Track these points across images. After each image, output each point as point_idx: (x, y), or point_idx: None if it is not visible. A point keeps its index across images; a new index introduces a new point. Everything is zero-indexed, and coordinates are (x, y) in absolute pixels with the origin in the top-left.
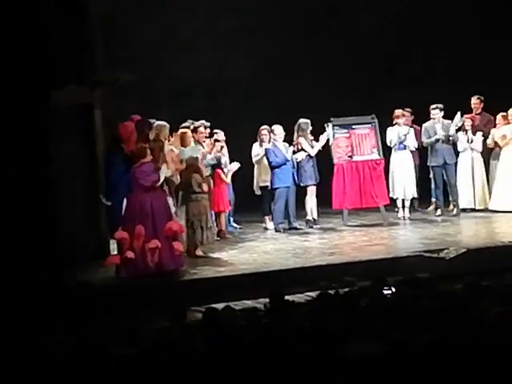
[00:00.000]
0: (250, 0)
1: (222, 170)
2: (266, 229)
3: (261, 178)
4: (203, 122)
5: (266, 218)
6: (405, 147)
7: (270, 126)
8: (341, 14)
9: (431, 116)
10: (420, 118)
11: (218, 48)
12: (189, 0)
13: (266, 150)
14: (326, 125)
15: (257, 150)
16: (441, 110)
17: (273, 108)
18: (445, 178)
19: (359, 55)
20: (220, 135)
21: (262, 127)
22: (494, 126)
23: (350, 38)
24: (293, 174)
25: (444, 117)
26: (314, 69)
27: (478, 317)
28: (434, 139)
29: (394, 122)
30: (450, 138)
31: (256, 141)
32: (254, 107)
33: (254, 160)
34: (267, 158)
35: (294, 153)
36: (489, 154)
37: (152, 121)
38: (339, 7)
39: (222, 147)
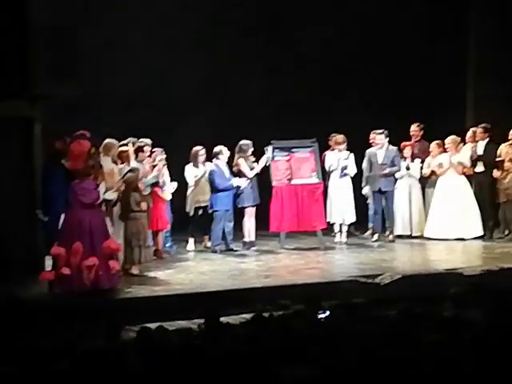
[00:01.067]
0: (194, 14)
1: (161, 188)
2: (206, 247)
3: (196, 199)
4: (146, 140)
5: (206, 237)
6: (345, 175)
7: (205, 146)
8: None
9: (376, 141)
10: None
11: (161, 59)
12: (134, 12)
13: (211, 171)
14: (265, 148)
15: (194, 172)
16: (386, 136)
17: (212, 127)
18: (383, 204)
19: (301, 77)
20: (160, 154)
21: (198, 148)
22: (429, 154)
23: (293, 57)
24: (232, 198)
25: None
26: (255, 89)
27: (412, 343)
28: (400, 172)
29: (336, 147)
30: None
31: (189, 162)
32: (193, 125)
33: (191, 181)
34: (212, 180)
35: (234, 174)
36: (425, 182)
37: (110, 140)
38: (282, 25)
39: (159, 169)
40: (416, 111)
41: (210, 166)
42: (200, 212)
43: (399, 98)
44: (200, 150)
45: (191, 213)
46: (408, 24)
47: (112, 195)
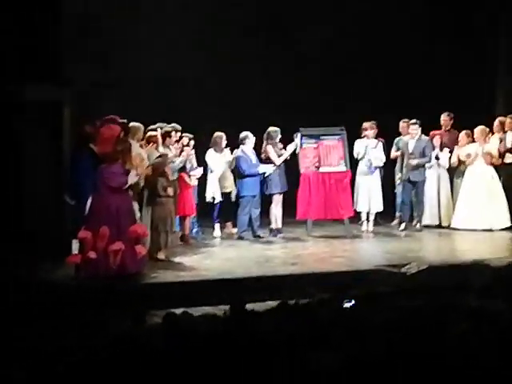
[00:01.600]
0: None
1: (188, 173)
2: (230, 234)
3: (220, 185)
4: (174, 125)
5: (229, 223)
6: (376, 168)
7: (226, 133)
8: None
9: (410, 131)
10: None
11: (186, 44)
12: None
13: (237, 157)
14: (294, 135)
15: (216, 157)
16: (419, 125)
17: (237, 115)
18: (412, 193)
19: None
20: (188, 140)
21: (220, 133)
22: (457, 144)
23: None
24: (260, 184)
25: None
26: (283, 75)
27: (440, 333)
28: (427, 162)
29: (363, 135)
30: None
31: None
32: (217, 113)
33: (215, 167)
34: (239, 166)
35: (262, 161)
36: (453, 172)
37: (135, 123)
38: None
39: (187, 155)
40: (446, 101)
41: (228, 152)
42: (222, 198)
43: (432, 89)
44: (222, 136)
45: (217, 198)
46: (436, 18)
47: (135, 178)
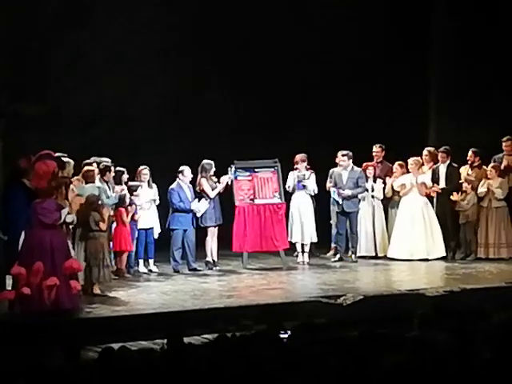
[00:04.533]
0: (156, 33)
1: (126, 208)
2: (138, 272)
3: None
4: (108, 160)
5: (140, 260)
6: (304, 186)
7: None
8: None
9: (340, 162)
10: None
11: (125, 80)
12: (98, 26)
13: (170, 190)
14: (229, 168)
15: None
16: (350, 157)
17: (175, 147)
18: (346, 224)
19: (263, 97)
20: (125, 175)
21: (143, 167)
22: (391, 175)
23: (255, 77)
24: (192, 218)
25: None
26: (219, 109)
27: (373, 364)
28: (360, 193)
29: (295, 167)
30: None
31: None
32: (158, 145)
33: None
34: (170, 200)
35: (196, 194)
36: (387, 202)
37: (65, 159)
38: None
39: (122, 190)
40: (378, 133)
41: (154, 187)
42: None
43: (361, 119)
44: (146, 170)
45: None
46: (368, 43)
47: (70, 217)
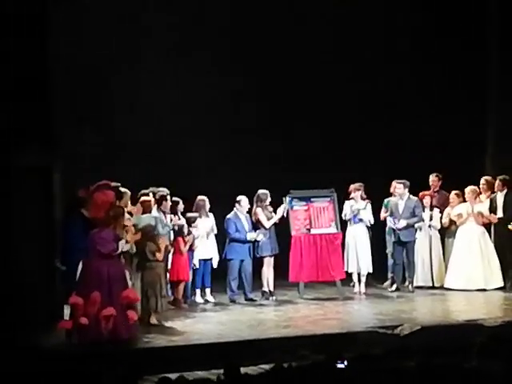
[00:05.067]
0: (209, 77)
1: (183, 238)
2: (194, 302)
3: (200, 251)
4: (165, 190)
5: (197, 290)
6: (360, 220)
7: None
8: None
9: (396, 191)
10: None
11: (182, 111)
12: (154, 64)
13: (227, 220)
14: (284, 198)
15: (201, 222)
16: (406, 186)
17: (234, 178)
18: (403, 254)
19: (318, 129)
20: (180, 205)
21: (202, 197)
22: (448, 204)
23: (307, 111)
24: (248, 248)
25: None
26: (273, 139)
27: None
28: (417, 222)
29: (351, 197)
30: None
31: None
32: (215, 174)
33: (201, 232)
34: (226, 229)
35: (253, 224)
36: (444, 232)
37: (122, 189)
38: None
39: (179, 219)
40: (435, 162)
41: (212, 217)
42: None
43: (419, 147)
44: (205, 199)
45: (196, 265)
46: (424, 73)
47: (126, 246)
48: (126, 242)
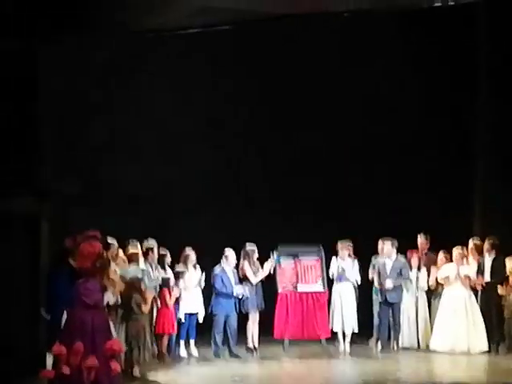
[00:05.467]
0: (198, 112)
1: (169, 291)
2: (178, 355)
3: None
4: (153, 241)
5: (181, 342)
6: (347, 279)
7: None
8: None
9: (384, 251)
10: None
11: (168, 160)
12: (139, 106)
13: (214, 274)
14: (271, 253)
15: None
16: (393, 245)
17: (221, 228)
18: (389, 314)
19: (310, 180)
20: (168, 257)
21: (188, 251)
22: (435, 264)
23: (299, 161)
24: (235, 302)
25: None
26: (261, 191)
27: None
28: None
29: (338, 255)
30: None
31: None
32: (202, 225)
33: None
34: (213, 284)
35: (240, 279)
36: (431, 293)
37: (110, 240)
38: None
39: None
40: (421, 220)
41: (199, 270)
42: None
43: (405, 207)
44: (191, 252)
45: (182, 319)
46: (412, 132)
47: (112, 298)
48: (112, 294)
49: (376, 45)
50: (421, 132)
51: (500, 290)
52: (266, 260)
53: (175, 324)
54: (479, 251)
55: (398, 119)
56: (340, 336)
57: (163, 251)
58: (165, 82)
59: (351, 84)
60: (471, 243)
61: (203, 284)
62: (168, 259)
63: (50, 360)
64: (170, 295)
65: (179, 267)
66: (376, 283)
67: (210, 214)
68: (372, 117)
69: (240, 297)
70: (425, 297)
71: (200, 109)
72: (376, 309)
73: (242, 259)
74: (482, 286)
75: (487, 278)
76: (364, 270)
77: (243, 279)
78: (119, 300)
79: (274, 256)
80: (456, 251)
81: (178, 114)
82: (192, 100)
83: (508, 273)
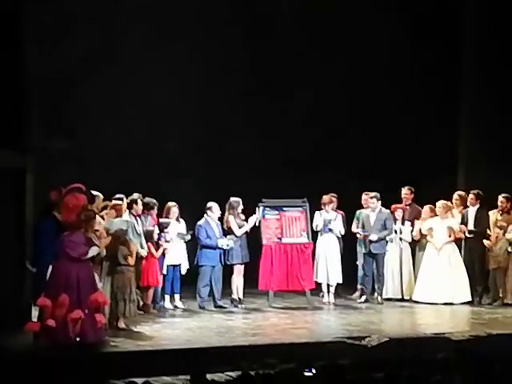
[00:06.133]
0: (186, 75)
1: (154, 243)
2: (163, 307)
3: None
4: (139, 194)
5: (166, 296)
6: (330, 230)
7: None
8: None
9: (369, 204)
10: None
11: (154, 116)
12: (128, 65)
13: (198, 226)
14: (257, 207)
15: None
16: (378, 199)
17: (206, 184)
18: (373, 266)
19: (292, 138)
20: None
21: (171, 204)
22: (419, 218)
23: (283, 119)
24: (220, 254)
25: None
26: (246, 148)
27: None
28: (388, 235)
29: (322, 208)
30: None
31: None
32: (186, 182)
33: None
34: (197, 236)
35: (224, 231)
36: (415, 245)
37: (94, 192)
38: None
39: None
40: (407, 175)
41: (183, 223)
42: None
43: (391, 161)
44: (174, 206)
45: (164, 271)
46: (398, 89)
47: (96, 250)
48: (97, 246)
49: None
50: (406, 89)
51: (486, 242)
52: (251, 215)
53: (160, 277)
54: (464, 203)
55: (383, 77)
56: (324, 287)
57: (152, 203)
58: (150, 40)
59: (336, 42)
60: (456, 195)
61: (188, 237)
62: (154, 211)
63: (35, 313)
64: (155, 247)
65: (164, 219)
66: (360, 235)
67: (196, 172)
68: (357, 74)
69: (225, 247)
70: (409, 249)
71: (186, 68)
72: (360, 261)
73: (226, 212)
74: (466, 237)
75: (471, 228)
76: (349, 224)
77: (228, 231)
78: (104, 252)
79: (259, 210)
80: (439, 204)
81: (163, 74)
82: (177, 59)
83: (491, 224)
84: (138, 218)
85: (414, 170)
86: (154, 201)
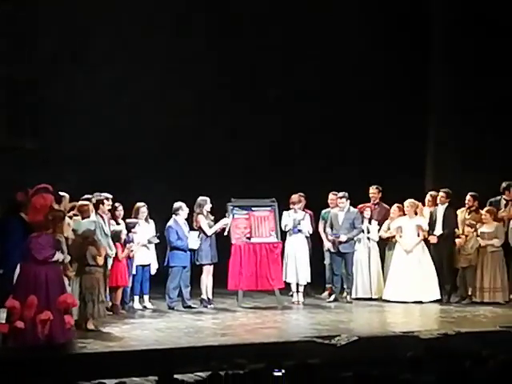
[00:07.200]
0: (155, 74)
1: (122, 244)
2: (132, 308)
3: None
4: (106, 194)
5: (135, 297)
6: (299, 231)
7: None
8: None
9: (339, 204)
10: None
11: (123, 116)
12: (94, 65)
13: (168, 228)
14: (227, 207)
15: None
16: (347, 199)
17: (175, 184)
18: (342, 265)
19: (262, 138)
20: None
21: (140, 204)
22: (388, 217)
23: (253, 118)
24: (190, 255)
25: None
26: (218, 146)
27: None
28: (357, 235)
29: (291, 207)
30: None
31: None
32: (154, 183)
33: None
34: (167, 238)
35: (194, 231)
36: (383, 244)
37: (61, 193)
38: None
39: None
40: (375, 175)
41: (152, 224)
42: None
43: (359, 161)
44: (143, 206)
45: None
46: (369, 88)
47: (62, 256)
48: (62, 251)
49: None
50: (372, 84)
51: (458, 241)
52: (220, 215)
53: (129, 277)
54: (435, 203)
55: (348, 71)
56: (294, 287)
57: (116, 204)
58: (116, 40)
59: (307, 29)
60: (428, 196)
61: (156, 240)
62: (120, 212)
63: (3, 314)
64: (123, 248)
65: (131, 219)
66: (329, 235)
67: (163, 173)
68: (322, 68)
69: (195, 248)
70: (377, 248)
71: (156, 66)
72: (328, 260)
73: (195, 211)
74: (434, 235)
75: (439, 226)
76: (316, 222)
77: (198, 231)
78: (68, 258)
79: (230, 212)
80: (407, 202)
81: (132, 73)
82: (145, 58)
83: (460, 223)
84: (104, 219)
85: (383, 169)
86: (119, 203)
